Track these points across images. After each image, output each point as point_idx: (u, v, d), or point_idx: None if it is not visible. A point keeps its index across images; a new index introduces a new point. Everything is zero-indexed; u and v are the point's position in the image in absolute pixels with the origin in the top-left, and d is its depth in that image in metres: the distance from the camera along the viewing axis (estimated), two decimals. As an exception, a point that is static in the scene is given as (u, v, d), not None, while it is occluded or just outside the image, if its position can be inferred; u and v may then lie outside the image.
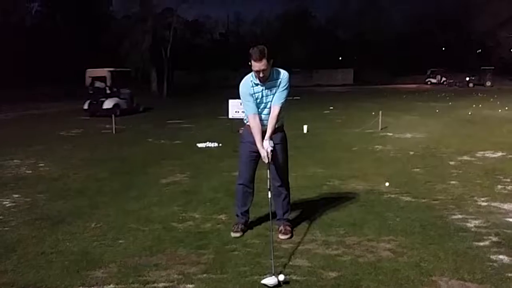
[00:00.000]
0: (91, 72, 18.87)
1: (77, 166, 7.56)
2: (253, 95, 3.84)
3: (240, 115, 11.09)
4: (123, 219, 4.57)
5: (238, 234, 4.02)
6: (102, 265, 3.46)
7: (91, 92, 18.17)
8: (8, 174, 6.96)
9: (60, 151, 9.32)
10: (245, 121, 4.06)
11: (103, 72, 18.56)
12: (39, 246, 3.87)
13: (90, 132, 12.82)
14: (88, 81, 18.79)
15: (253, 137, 3.86)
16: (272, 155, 3.81)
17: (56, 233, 4.20)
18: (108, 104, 17.57)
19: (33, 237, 4.10)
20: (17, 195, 5.62)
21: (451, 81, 46.95)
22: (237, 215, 4.17)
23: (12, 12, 46.77)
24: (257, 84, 3.82)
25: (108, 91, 18.12)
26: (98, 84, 18.37)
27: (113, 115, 12.22)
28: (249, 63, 3.71)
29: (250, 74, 3.86)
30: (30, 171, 7.19)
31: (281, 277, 3.09)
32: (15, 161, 8.07)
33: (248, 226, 4.18)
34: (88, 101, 17.86)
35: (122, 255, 3.64)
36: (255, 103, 3.85)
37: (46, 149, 9.52)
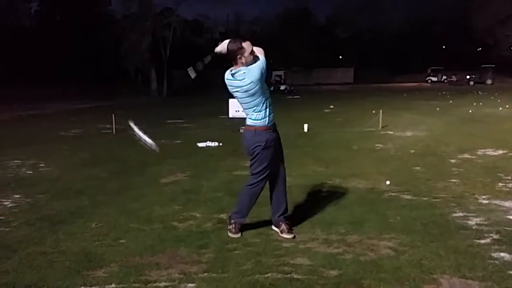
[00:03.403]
0: (276, 72, 38.86)
1: (77, 166, 7.56)
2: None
3: (240, 115, 11.11)
4: (123, 219, 4.56)
5: (238, 235, 3.98)
6: (103, 265, 3.45)
7: (274, 82, 36.69)
8: (9, 175, 6.96)
9: (61, 151, 9.32)
10: (255, 121, 3.87)
11: (281, 72, 38.96)
12: (40, 246, 3.87)
13: (90, 132, 12.82)
14: (273, 77, 37.87)
15: (273, 138, 3.89)
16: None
17: (57, 233, 4.19)
18: (282, 87, 35.75)
19: (34, 237, 4.10)
20: (17, 196, 5.61)
21: (452, 79, 46.83)
22: (243, 217, 4.06)
23: (10, 13, 46.74)
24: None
25: (282, 81, 37.87)
26: (276, 78, 38.21)
27: (113, 115, 12.33)
28: (242, 57, 3.74)
29: (244, 69, 3.77)
30: (31, 171, 7.19)
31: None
32: (15, 161, 8.07)
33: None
34: (272, 87, 33.34)
35: (123, 255, 3.64)
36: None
37: (46, 149, 9.52)
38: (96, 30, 43.20)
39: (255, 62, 3.78)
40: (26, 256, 3.66)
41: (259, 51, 3.85)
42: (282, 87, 35.73)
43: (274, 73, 38.82)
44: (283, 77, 38.50)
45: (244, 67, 3.76)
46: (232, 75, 3.82)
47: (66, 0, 50.45)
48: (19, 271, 3.38)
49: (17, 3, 49.09)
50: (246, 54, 3.74)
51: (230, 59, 3.82)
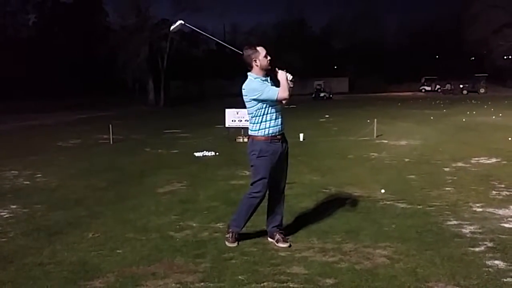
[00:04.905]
0: (316, 81, 44.27)
1: (74, 176, 7.56)
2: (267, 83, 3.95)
3: (236, 124, 11.13)
4: (120, 229, 4.57)
5: (235, 244, 3.99)
6: (100, 275, 3.46)
7: (315, 90, 42.92)
8: (5, 185, 6.95)
9: (58, 161, 9.32)
10: (252, 131, 3.96)
11: (321, 82, 44.50)
12: (37, 257, 3.87)
13: (88, 142, 12.83)
14: (314, 85, 43.77)
15: (271, 149, 3.91)
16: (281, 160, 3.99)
17: (53, 243, 4.20)
18: (322, 94, 42.14)
19: (30, 248, 4.10)
20: (14, 206, 5.61)
21: (445, 88, 47.10)
22: (239, 227, 4.04)
23: (9, 25, 46.86)
24: (264, 80, 3.91)
25: (322, 89, 43.32)
26: (317, 86, 43.59)
27: (110, 125, 12.36)
28: (257, 60, 3.84)
29: (252, 77, 3.89)
30: (28, 182, 7.19)
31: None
32: (12, 172, 8.06)
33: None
34: (314, 94, 42.19)
35: (119, 265, 3.64)
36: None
37: (43, 159, 9.52)
38: (94, 41, 43.28)
39: (269, 76, 3.91)
40: (22, 267, 3.65)
41: (283, 79, 3.87)
42: (322, 94, 42.49)
43: (315, 82, 44.65)
44: (322, 86, 44.57)
45: (254, 75, 3.89)
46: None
47: (64, 12, 50.68)
48: (15, 282, 3.37)
49: (15, 15, 49.28)
50: (261, 57, 3.86)
51: (246, 66, 3.92)
